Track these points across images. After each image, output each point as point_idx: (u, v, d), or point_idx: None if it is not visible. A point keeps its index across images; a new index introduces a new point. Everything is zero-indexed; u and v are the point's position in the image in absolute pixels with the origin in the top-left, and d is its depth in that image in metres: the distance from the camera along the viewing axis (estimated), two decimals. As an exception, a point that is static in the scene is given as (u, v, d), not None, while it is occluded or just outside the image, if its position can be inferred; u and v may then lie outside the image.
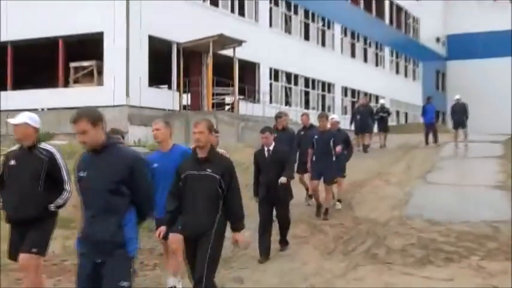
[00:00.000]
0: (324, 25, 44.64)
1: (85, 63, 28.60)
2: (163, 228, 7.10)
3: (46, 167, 6.91)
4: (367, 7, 51.02)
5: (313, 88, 43.17)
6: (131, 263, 5.50)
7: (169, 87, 31.07)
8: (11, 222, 7.02)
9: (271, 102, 36.66)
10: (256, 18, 36.20)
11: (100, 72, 27.95)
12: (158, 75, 30.35)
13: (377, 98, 48.48)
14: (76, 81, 28.71)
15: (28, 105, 27.69)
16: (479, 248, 10.79)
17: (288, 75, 39.79)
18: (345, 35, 47.77)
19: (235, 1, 34.27)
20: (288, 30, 40.02)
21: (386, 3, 54.93)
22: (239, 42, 30.35)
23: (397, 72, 57.65)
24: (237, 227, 6.98)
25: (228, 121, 28.03)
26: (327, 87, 44.86)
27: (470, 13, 64.89)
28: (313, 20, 43.13)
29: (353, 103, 44.97)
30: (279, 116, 14.69)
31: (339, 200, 15.00)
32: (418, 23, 62.64)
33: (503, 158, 21.35)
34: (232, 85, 31.87)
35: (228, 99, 35.15)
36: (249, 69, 35.47)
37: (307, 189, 15.32)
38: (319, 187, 13.83)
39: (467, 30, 65.53)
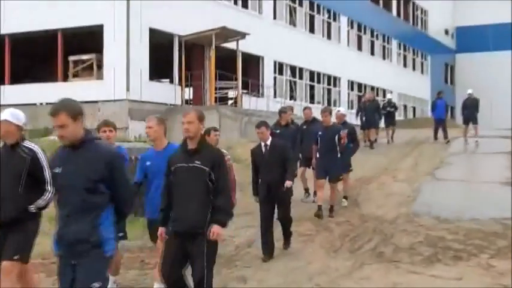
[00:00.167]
0: (329, 17, 44.59)
1: (84, 57, 28.63)
2: (163, 229, 6.98)
3: (28, 166, 6.71)
4: (374, -2, 51.04)
5: (319, 82, 43.13)
6: (106, 263, 5.35)
7: (171, 81, 31.06)
8: None
9: (275, 96, 36.65)
10: (259, 10, 36.17)
11: (100, 66, 27.98)
12: (159, 69, 30.35)
13: (384, 92, 48.46)
14: (75, 75, 28.75)
15: (26, 100, 27.81)
16: (489, 246, 10.78)
17: (293, 69, 39.76)
18: (351, 27, 47.71)
19: (238, -7, 34.31)
20: (292, 22, 39.98)
21: (394, -5, 54.93)
22: (242, 35, 30.32)
23: (405, 65, 57.55)
24: (218, 218, 6.61)
25: (231, 116, 28.02)
26: (333, 81, 44.82)
27: (479, 4, 64.67)
28: (318, 12, 43.08)
29: (359, 97, 44.89)
30: (283, 111, 14.61)
31: (345, 197, 14.98)
32: (427, 14, 62.52)
33: (514, 153, 21.32)
34: (236, 79, 31.83)
35: (231, 94, 35.12)
36: (252, 62, 35.46)
37: (305, 189, 15.29)
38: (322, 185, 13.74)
39: (477, 22, 65.39)
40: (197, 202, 6.60)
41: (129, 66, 26.76)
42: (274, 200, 10.57)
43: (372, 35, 51.00)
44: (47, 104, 27.84)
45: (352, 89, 47.47)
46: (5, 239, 6.68)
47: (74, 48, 28.38)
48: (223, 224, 6.67)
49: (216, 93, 31.19)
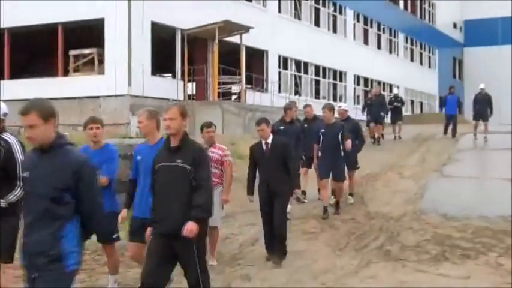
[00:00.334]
0: (335, 10, 44.56)
1: (85, 51, 28.62)
2: (149, 231, 6.83)
3: (1, 159, 6.59)
4: (381, -9, 50.96)
5: (324, 77, 43.11)
6: (68, 279, 4.95)
7: (173, 76, 31.09)
8: None
9: (279, 91, 36.63)
10: (264, 3, 36.13)
11: (101, 61, 27.98)
12: (162, 64, 30.36)
13: (391, 86, 48.41)
14: (76, 70, 28.75)
15: (25, 95, 27.65)
16: (497, 244, 10.79)
17: (298, 63, 39.74)
18: (358, 20, 47.65)
19: (242, -15, 34.29)
20: (297, 16, 39.95)
21: (401, -13, 54.86)
22: (246, 29, 30.31)
23: (412, 59, 57.48)
24: (194, 215, 6.35)
25: (234, 111, 28.05)
26: (339, 75, 44.79)
27: (488, -3, 64.66)
28: (324, 5, 43.04)
29: (366, 92, 44.88)
30: (288, 107, 14.23)
31: (351, 194, 14.97)
32: (434, 7, 62.40)
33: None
34: (239, 74, 31.83)
35: (234, 89, 35.13)
36: (256, 57, 35.44)
37: (302, 191, 14.77)
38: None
39: (485, 16, 65.24)
40: (180, 203, 6.45)
41: (131, 60, 26.76)
42: (272, 198, 10.22)
43: (379, 29, 50.94)
44: (47, 99, 27.90)
45: (358, 84, 47.44)
46: None
47: (75, 43, 28.39)
48: (198, 221, 6.39)
49: (219, 88, 31.22)
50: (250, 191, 10.59)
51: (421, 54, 59.52)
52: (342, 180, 13.62)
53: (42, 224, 4.90)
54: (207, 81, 31.31)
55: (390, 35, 52.91)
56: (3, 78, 29.67)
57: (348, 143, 13.40)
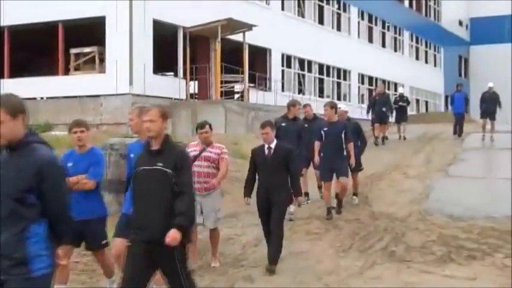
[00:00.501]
0: (339, 8, 44.58)
1: (86, 50, 28.67)
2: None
3: None
4: (386, -12, 50.97)
5: (328, 75, 43.12)
6: (37, 284, 4.73)
7: (176, 75, 31.11)
8: None
9: (283, 90, 36.66)
10: (267, 0, 36.16)
11: (102, 59, 28.02)
12: (163, 62, 30.38)
13: (396, 85, 48.43)
14: (77, 69, 28.80)
15: (26, 94, 27.69)
16: (504, 245, 10.77)
17: (301, 62, 39.76)
18: (362, 18, 47.68)
19: (245, -17, 34.29)
20: (301, 13, 39.98)
21: (406, -15, 54.86)
22: (249, 27, 30.32)
23: (417, 57, 57.51)
24: (176, 223, 6.18)
25: (237, 110, 28.06)
26: (343, 74, 44.81)
27: (495, -6, 64.63)
28: (328, 3, 43.05)
29: (370, 91, 44.91)
30: (292, 104, 14.16)
31: (355, 194, 14.95)
32: (440, 5, 62.40)
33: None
34: (242, 72, 31.87)
35: (237, 87, 35.15)
36: (259, 55, 35.48)
37: (305, 193, 14.47)
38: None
39: (492, 13, 65.24)
40: (161, 208, 6.29)
41: (132, 59, 26.79)
42: (271, 205, 9.88)
43: (383, 27, 50.96)
44: (47, 98, 27.97)
45: (362, 83, 47.46)
46: None
47: (75, 41, 28.42)
48: (182, 229, 6.22)
49: (221, 87, 31.22)
50: (247, 193, 10.20)
51: (426, 52, 59.54)
52: (345, 175, 13.22)
53: (8, 225, 4.70)
54: (209, 80, 31.33)
55: (395, 33, 52.93)
56: (3, 77, 29.73)
57: (351, 147, 13.25)
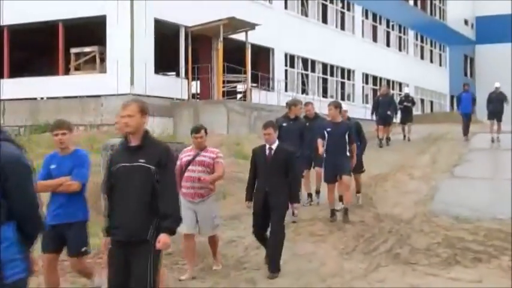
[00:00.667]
0: (343, 7, 44.55)
1: (87, 49, 28.66)
2: (108, 240, 6.47)
3: None
4: (390, -13, 50.95)
5: (332, 75, 43.10)
6: None
7: (177, 75, 31.10)
8: None
9: (286, 90, 36.62)
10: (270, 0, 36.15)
11: (103, 59, 28.02)
12: (165, 62, 30.40)
13: (400, 85, 48.42)
14: (77, 69, 28.80)
15: (26, 94, 27.92)
16: (510, 247, 10.76)
17: (305, 61, 39.74)
18: (366, 17, 47.65)
19: (247, -19, 34.28)
20: (304, 12, 39.95)
21: (411, -17, 54.83)
22: (252, 26, 30.32)
23: (422, 57, 57.47)
24: (164, 225, 6.10)
25: (239, 111, 28.05)
26: (347, 73, 44.79)
27: (501, -7, 64.57)
28: (331, 2, 43.04)
29: (374, 91, 44.87)
30: (293, 104, 14.01)
31: (358, 192, 14.81)
32: (445, 4, 62.37)
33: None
34: (245, 72, 31.85)
35: (240, 87, 35.13)
36: (262, 54, 35.46)
37: (308, 194, 14.73)
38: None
39: (498, 12, 65.16)
40: (141, 206, 6.14)
41: (133, 58, 26.79)
42: (269, 211, 9.71)
43: (388, 26, 50.92)
44: (47, 98, 27.98)
45: (366, 83, 47.43)
46: None
47: (76, 40, 28.42)
48: (172, 232, 6.18)
49: (224, 87, 31.21)
50: (248, 197, 10.06)
51: (431, 51, 59.49)
52: (347, 173, 12.97)
53: None
54: (211, 79, 31.32)
55: (400, 32, 52.89)
56: (2, 77, 29.73)
57: (354, 149, 13.19)
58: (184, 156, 9.70)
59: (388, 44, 50.84)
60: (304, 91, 39.04)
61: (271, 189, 9.66)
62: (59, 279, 8.08)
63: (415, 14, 55.44)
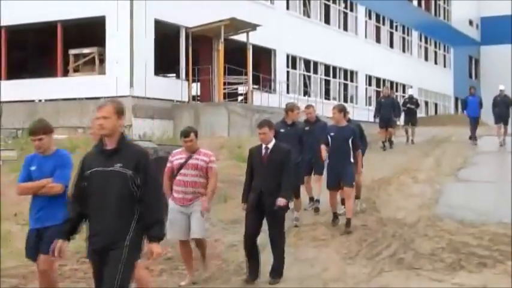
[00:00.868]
0: (346, 7, 44.58)
1: (86, 50, 28.69)
2: (62, 243, 6.25)
3: None
4: (394, -13, 50.94)
5: (334, 77, 43.10)
6: None
7: (177, 76, 31.11)
8: None
9: (288, 92, 36.64)
10: (271, 0, 36.14)
11: (102, 60, 28.04)
12: (165, 63, 30.41)
13: (404, 87, 48.44)
14: (76, 70, 28.82)
15: (24, 96, 27.91)
16: (516, 252, 10.76)
17: (307, 63, 39.74)
18: (369, 18, 47.65)
19: (248, -18, 34.29)
20: (306, 13, 39.97)
21: (415, -17, 54.82)
22: (253, 27, 30.33)
23: (426, 58, 57.44)
24: (153, 234, 6.03)
25: (241, 113, 28.06)
26: (350, 75, 44.78)
27: (506, -7, 64.53)
28: (334, 2, 43.05)
29: (378, 93, 44.86)
30: (290, 109, 13.63)
31: (357, 197, 14.34)
32: (449, 4, 62.35)
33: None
34: (246, 74, 31.87)
35: (241, 89, 35.19)
36: (264, 56, 35.47)
37: (310, 198, 14.53)
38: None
39: (503, 12, 65.12)
40: (117, 212, 5.97)
41: (133, 60, 26.79)
42: (263, 213, 9.57)
43: (391, 26, 50.92)
44: (46, 100, 27.98)
45: (370, 84, 47.41)
46: None
47: (75, 41, 28.46)
48: (160, 240, 6.10)
49: (224, 88, 31.24)
50: (244, 199, 9.84)
51: (435, 52, 59.47)
52: (349, 184, 12.71)
53: None
54: (212, 81, 31.34)
55: (403, 32, 52.88)
56: (0, 79, 29.75)
57: (359, 155, 13.06)
58: (176, 159, 9.60)
59: (391, 45, 50.83)
60: (306, 93, 39.06)
61: (267, 190, 9.51)
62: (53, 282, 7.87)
63: (419, 14, 55.42)
